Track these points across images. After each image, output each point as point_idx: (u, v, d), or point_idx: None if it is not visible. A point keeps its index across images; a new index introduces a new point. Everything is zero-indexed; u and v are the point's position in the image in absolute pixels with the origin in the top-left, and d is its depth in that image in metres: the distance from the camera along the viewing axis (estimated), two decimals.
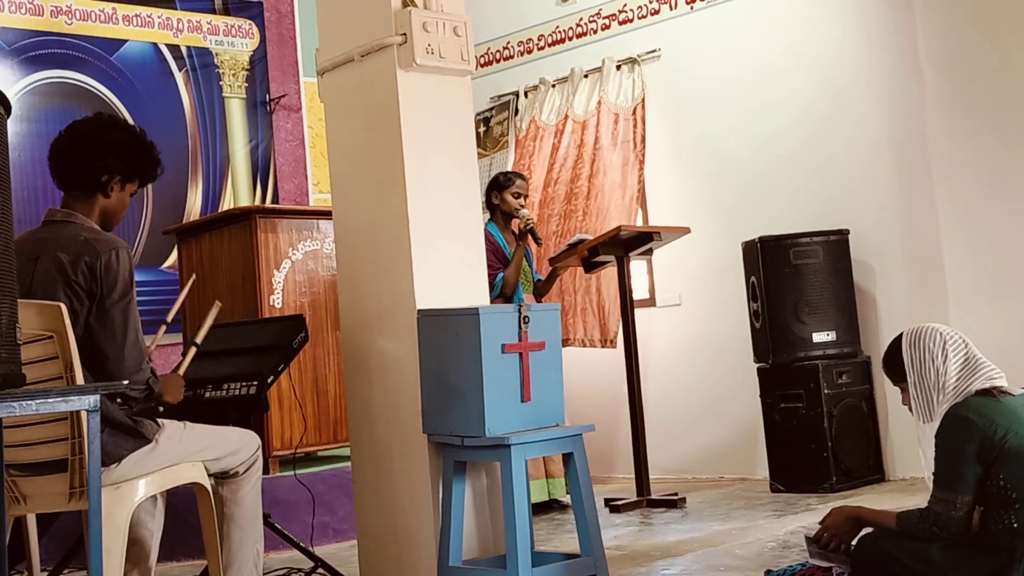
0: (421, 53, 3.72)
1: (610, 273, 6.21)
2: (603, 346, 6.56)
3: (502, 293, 5.42)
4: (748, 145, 6.30)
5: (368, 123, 3.87)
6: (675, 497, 5.48)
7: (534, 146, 7.16)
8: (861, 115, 5.88)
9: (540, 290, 5.74)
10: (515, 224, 5.58)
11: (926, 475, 2.99)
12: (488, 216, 5.67)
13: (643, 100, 6.68)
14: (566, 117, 7.00)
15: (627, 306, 5.60)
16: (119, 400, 3.08)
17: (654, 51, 6.69)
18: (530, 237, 5.47)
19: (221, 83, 7.38)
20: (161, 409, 3.23)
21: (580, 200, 6.86)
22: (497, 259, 5.46)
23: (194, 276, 4.12)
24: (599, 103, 6.83)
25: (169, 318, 3.65)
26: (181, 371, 3.42)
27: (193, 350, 3.52)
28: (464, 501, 3.60)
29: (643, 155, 6.63)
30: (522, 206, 5.60)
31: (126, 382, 2.93)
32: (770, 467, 5.71)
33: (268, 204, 7.21)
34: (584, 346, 6.61)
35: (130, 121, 3.51)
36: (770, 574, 3.26)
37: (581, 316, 6.66)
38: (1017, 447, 2.81)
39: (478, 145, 7.29)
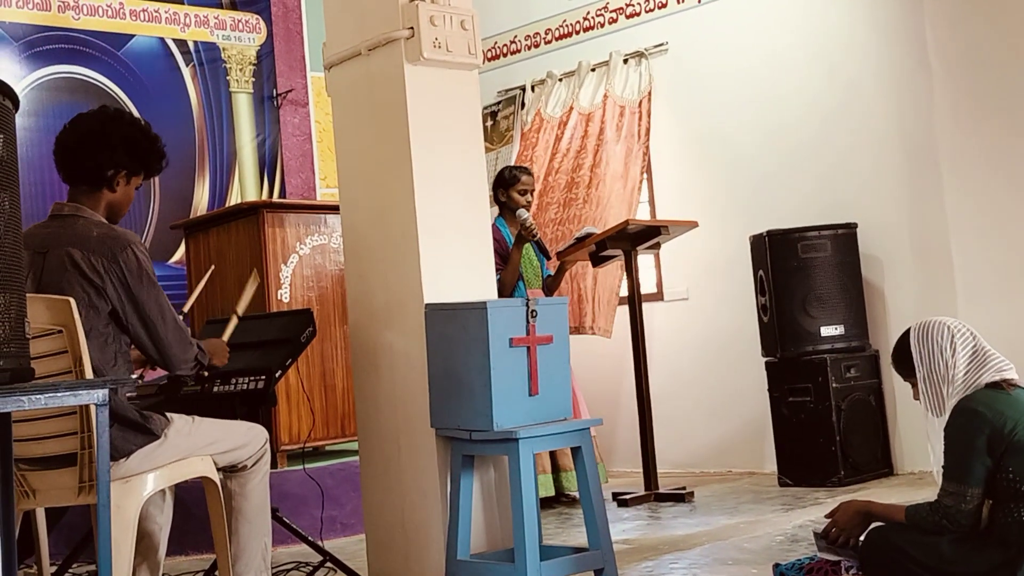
0: (428, 47, 3.71)
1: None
2: (592, 333, 6.60)
3: (500, 295, 5.32)
4: (756, 139, 6.29)
5: (375, 117, 3.87)
6: (683, 491, 5.48)
7: (537, 138, 7.16)
8: (869, 108, 5.87)
9: (550, 286, 5.70)
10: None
11: (935, 469, 2.98)
12: (497, 211, 5.65)
13: (649, 93, 6.67)
14: (571, 109, 7.00)
15: (635, 300, 5.60)
16: (189, 378, 3.25)
17: (661, 44, 6.68)
18: (527, 234, 5.39)
19: (228, 78, 7.38)
20: (205, 374, 3.31)
21: (581, 189, 6.87)
22: (501, 258, 5.40)
23: (213, 267, 4.12)
24: (605, 96, 6.82)
25: (186, 307, 3.69)
26: (225, 338, 3.52)
27: (235, 319, 3.64)
28: (472, 495, 3.60)
29: (647, 147, 6.63)
30: (528, 203, 5.57)
31: (185, 365, 3.12)
32: (778, 461, 5.70)
33: (275, 199, 7.21)
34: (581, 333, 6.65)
35: (135, 114, 3.53)
36: (778, 568, 3.25)
37: (578, 304, 6.69)
38: None
39: (484, 139, 7.27)
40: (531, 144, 7.18)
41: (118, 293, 3.05)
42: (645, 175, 6.69)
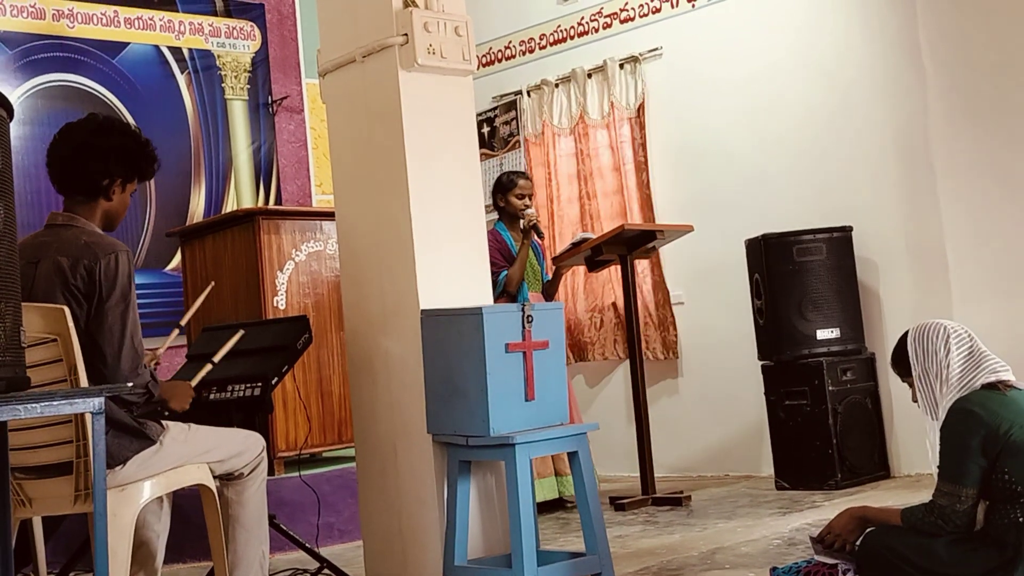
0: (423, 53, 3.72)
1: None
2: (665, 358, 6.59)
3: (505, 291, 5.42)
4: (750, 142, 6.30)
5: (370, 124, 3.87)
6: (680, 495, 5.48)
7: (544, 148, 7.17)
8: (863, 112, 5.88)
9: (548, 290, 5.74)
10: (522, 224, 5.59)
11: (933, 469, 2.99)
12: (497, 217, 5.70)
13: (644, 101, 6.68)
14: (578, 118, 6.99)
15: (631, 304, 5.60)
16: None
17: (656, 49, 6.69)
18: (533, 232, 5.48)
19: (223, 85, 7.38)
20: (166, 413, 3.23)
21: (588, 202, 6.90)
22: (504, 258, 5.48)
23: (212, 283, 4.10)
24: (611, 105, 6.82)
25: (183, 321, 3.66)
26: (193, 382, 3.42)
27: (209, 366, 3.54)
28: (469, 500, 3.60)
29: (646, 157, 6.65)
30: (527, 206, 5.60)
31: (131, 385, 2.94)
32: (775, 464, 5.70)
33: (271, 206, 7.21)
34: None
35: (126, 119, 3.52)
36: (776, 571, 3.26)
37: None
38: (1022, 441, 2.81)
39: (484, 145, 7.30)
40: (539, 154, 7.19)
41: (89, 295, 3.03)
42: (647, 184, 6.69)
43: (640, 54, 6.73)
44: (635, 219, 6.64)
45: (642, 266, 6.58)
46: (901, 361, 3.09)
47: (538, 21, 7.31)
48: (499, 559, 3.61)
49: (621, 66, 6.82)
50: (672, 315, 6.56)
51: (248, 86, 7.48)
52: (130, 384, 2.93)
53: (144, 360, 3.12)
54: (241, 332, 3.74)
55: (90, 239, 3.10)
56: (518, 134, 7.31)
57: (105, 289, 3.03)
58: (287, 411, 5.32)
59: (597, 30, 7.02)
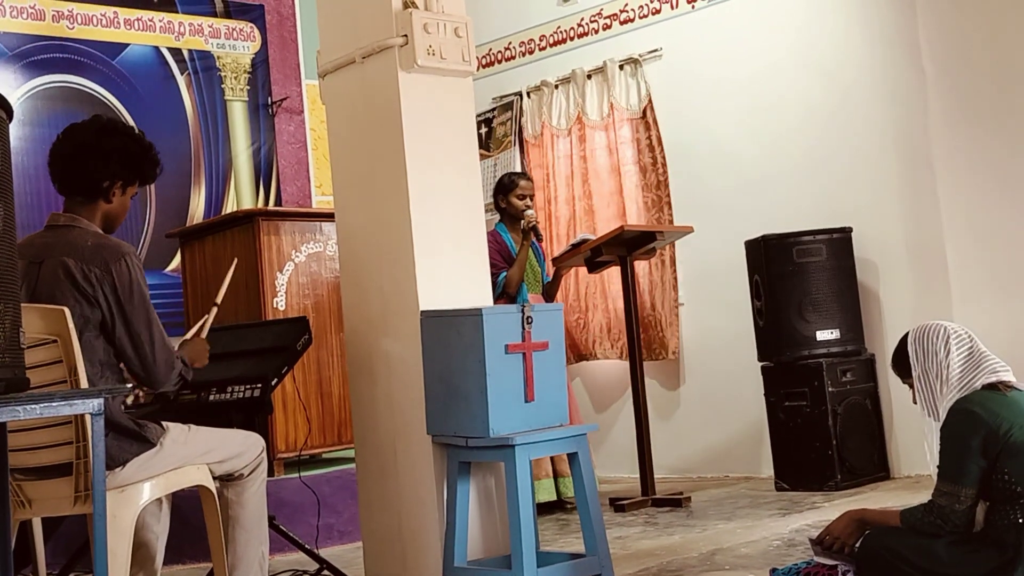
0: (422, 54, 3.72)
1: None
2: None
3: (505, 293, 5.42)
4: (750, 143, 6.30)
5: (370, 125, 3.87)
6: (680, 496, 5.48)
7: (543, 149, 7.16)
8: (863, 112, 5.88)
9: (548, 291, 5.75)
10: (522, 225, 5.60)
11: (932, 469, 2.99)
12: (498, 217, 5.70)
13: (650, 102, 6.67)
14: (576, 120, 6.99)
15: (631, 305, 5.60)
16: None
17: (656, 51, 6.69)
18: (532, 234, 5.49)
19: (223, 86, 7.38)
20: (188, 379, 3.26)
21: (586, 202, 6.89)
22: (504, 259, 5.49)
23: (236, 260, 4.10)
24: (611, 106, 6.81)
25: (219, 299, 3.68)
26: (203, 333, 3.47)
27: (214, 310, 3.59)
28: (469, 502, 3.60)
29: (659, 156, 6.61)
30: (528, 207, 5.61)
31: (130, 386, 2.97)
32: (775, 465, 5.70)
33: (271, 207, 7.21)
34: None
35: (129, 122, 3.53)
36: (775, 572, 3.26)
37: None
38: (1022, 441, 2.81)
39: (481, 146, 7.29)
40: (537, 155, 7.19)
41: (108, 304, 3.04)
42: (664, 184, 6.66)
43: (640, 55, 6.73)
44: (639, 220, 6.63)
45: (643, 267, 6.58)
46: (901, 362, 3.09)
47: (538, 22, 7.32)
48: (499, 560, 3.61)
49: (621, 67, 6.82)
50: (672, 316, 6.56)
51: (248, 87, 7.48)
52: (129, 385, 2.95)
53: (173, 351, 3.16)
54: (235, 262, 3.79)
55: (96, 240, 3.10)
56: (512, 134, 7.31)
57: (124, 296, 3.06)
58: (287, 412, 5.32)
59: (597, 31, 7.02)
